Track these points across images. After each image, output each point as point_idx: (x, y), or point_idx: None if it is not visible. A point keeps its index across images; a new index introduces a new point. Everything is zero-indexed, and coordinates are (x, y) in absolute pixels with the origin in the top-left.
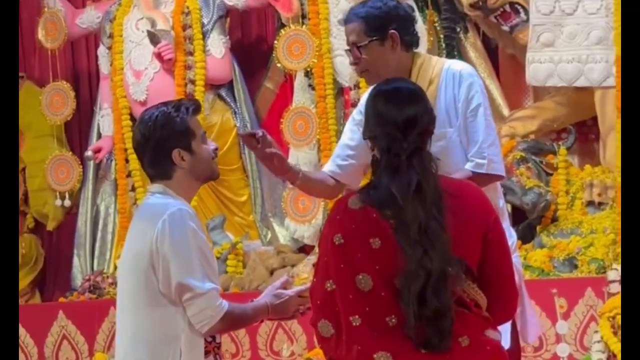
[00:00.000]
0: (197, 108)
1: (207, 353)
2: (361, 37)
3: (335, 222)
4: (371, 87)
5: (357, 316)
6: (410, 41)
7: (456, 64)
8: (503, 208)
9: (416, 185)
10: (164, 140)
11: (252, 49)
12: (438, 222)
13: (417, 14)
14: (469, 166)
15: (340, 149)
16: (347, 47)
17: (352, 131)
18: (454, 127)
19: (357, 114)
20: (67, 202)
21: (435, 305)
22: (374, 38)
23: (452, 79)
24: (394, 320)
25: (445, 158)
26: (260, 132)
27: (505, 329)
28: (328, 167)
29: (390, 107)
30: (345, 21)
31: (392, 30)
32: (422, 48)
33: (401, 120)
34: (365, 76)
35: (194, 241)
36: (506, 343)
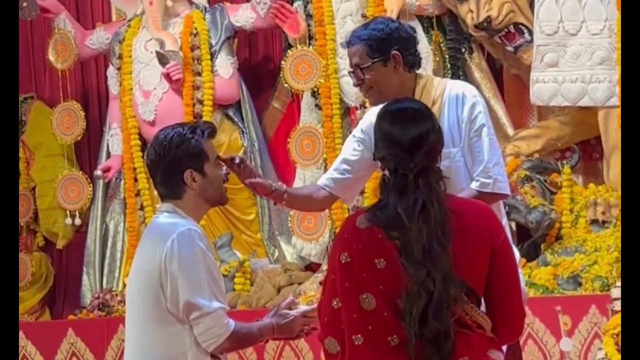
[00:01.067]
0: (213, 132)
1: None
2: (364, 59)
3: (343, 241)
4: (374, 107)
5: (359, 335)
6: (412, 61)
7: (459, 85)
8: (506, 226)
9: (422, 206)
10: (177, 160)
11: (259, 70)
12: (442, 244)
13: (419, 35)
14: (474, 185)
15: (338, 162)
16: (350, 69)
17: (352, 147)
18: (457, 147)
19: (358, 132)
20: (78, 221)
21: (436, 327)
22: (377, 59)
23: (456, 99)
24: (396, 340)
25: (450, 178)
26: (237, 159)
27: None
28: (323, 179)
29: (396, 127)
30: (348, 44)
31: (395, 51)
32: (428, 68)
33: (406, 140)
34: (369, 97)
35: (203, 261)
36: None
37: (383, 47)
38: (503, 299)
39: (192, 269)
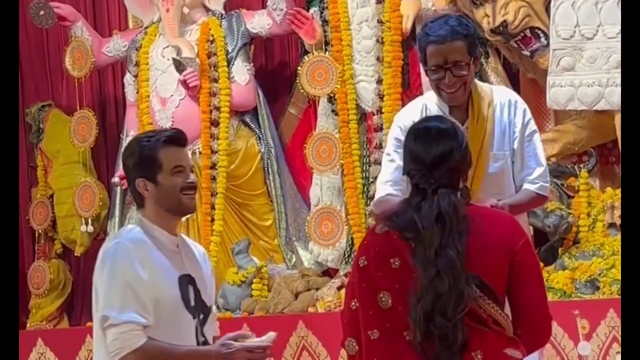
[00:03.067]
0: (173, 138)
1: None
2: (465, 56)
3: (363, 247)
4: (409, 108)
5: (375, 330)
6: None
7: (504, 90)
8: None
9: (437, 215)
10: (130, 168)
11: (275, 76)
12: (455, 248)
13: None
14: (533, 187)
15: (392, 174)
16: (444, 65)
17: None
18: (509, 150)
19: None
20: (90, 228)
21: (443, 324)
22: (472, 57)
23: (508, 104)
24: (410, 334)
25: (502, 178)
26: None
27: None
28: (387, 190)
29: (419, 145)
30: (444, 38)
31: (479, 51)
32: None
33: (428, 158)
34: (454, 95)
35: (122, 275)
36: None
37: (475, 46)
38: (526, 302)
39: (110, 283)
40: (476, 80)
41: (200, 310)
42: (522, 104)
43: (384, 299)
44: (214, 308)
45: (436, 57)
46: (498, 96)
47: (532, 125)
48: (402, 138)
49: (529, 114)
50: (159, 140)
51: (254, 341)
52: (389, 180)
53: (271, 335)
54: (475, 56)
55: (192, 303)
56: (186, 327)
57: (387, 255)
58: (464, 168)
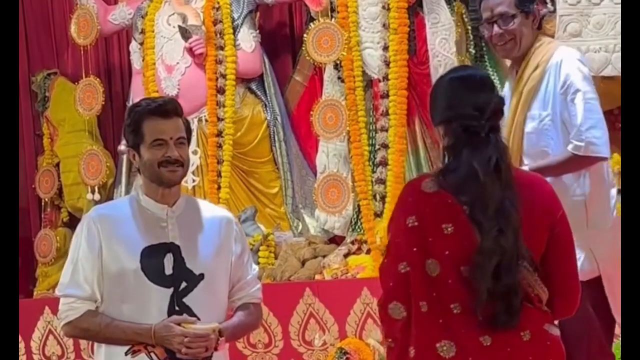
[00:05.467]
0: (156, 110)
1: (135, 352)
2: (511, 8)
3: (408, 204)
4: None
5: (425, 302)
6: (541, 20)
7: (564, 52)
8: (613, 197)
9: (495, 162)
10: (124, 136)
11: (281, 43)
12: (512, 202)
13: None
14: (570, 147)
15: None
16: (490, 18)
17: None
18: (547, 111)
19: None
20: (97, 196)
21: (507, 283)
22: (523, 10)
23: (555, 66)
24: (458, 308)
25: (540, 139)
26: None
27: None
28: None
29: (466, 90)
30: None
31: (536, 6)
32: (450, 40)
33: (477, 101)
34: (503, 49)
35: (74, 250)
36: None
37: (528, 0)
38: (561, 272)
39: (70, 253)
40: (544, 37)
41: (181, 279)
42: (567, 66)
43: (431, 266)
44: (246, 274)
45: (484, 11)
46: (556, 56)
47: (576, 84)
48: None
49: (575, 74)
50: (144, 111)
51: (195, 328)
52: None
53: (212, 325)
54: (528, 10)
55: (169, 272)
56: (153, 298)
57: (439, 220)
58: (503, 113)
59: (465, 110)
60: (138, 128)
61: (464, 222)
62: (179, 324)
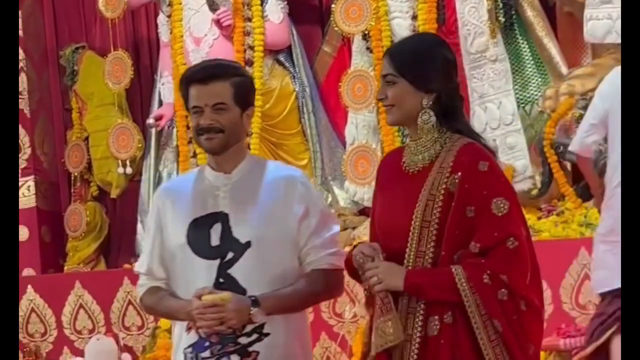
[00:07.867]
0: (191, 78)
1: (189, 329)
2: None
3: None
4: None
5: None
6: None
7: None
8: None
9: None
10: None
11: (309, 14)
12: None
13: None
14: None
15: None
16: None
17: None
18: None
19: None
20: (129, 170)
21: None
22: None
23: None
24: None
25: None
26: None
27: None
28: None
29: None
30: None
31: None
32: (481, 8)
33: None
34: None
35: (147, 222)
36: None
37: None
38: None
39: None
40: None
41: (227, 249)
42: None
43: None
44: (315, 237)
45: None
46: None
47: None
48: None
49: None
50: (183, 78)
51: (206, 298)
52: None
53: (222, 294)
54: None
55: (215, 243)
56: (199, 272)
57: None
58: None
59: (455, 77)
60: (185, 96)
61: None
62: (200, 297)
